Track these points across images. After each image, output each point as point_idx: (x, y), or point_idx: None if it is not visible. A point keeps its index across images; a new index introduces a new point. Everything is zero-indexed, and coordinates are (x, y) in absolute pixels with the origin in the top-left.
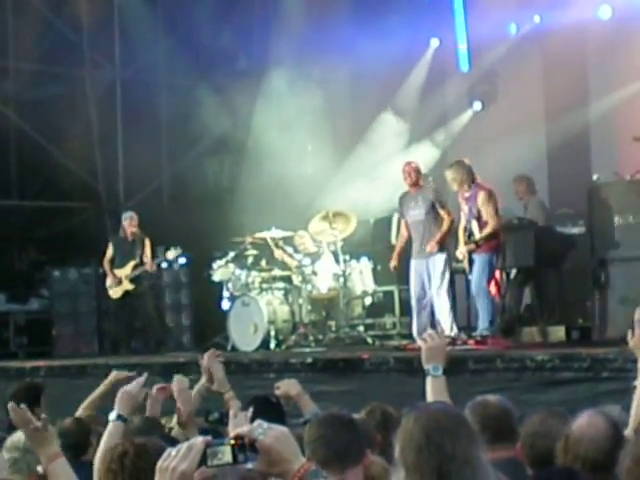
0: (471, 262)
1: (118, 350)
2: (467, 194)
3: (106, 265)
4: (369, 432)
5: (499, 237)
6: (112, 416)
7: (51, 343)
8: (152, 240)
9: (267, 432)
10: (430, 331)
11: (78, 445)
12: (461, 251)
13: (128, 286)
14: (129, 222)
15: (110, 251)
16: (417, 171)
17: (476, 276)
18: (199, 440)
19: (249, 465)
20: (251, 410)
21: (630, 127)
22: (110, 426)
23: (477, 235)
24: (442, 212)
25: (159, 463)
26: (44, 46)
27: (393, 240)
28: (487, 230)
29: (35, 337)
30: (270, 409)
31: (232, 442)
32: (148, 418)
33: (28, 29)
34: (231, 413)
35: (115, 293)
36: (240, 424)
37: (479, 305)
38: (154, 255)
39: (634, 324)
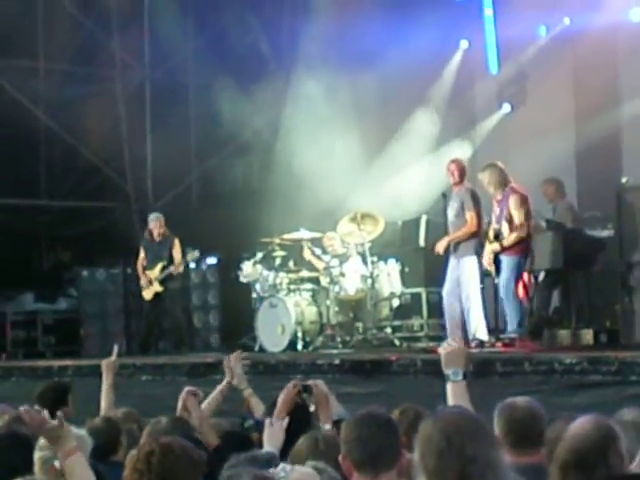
0: (497, 263)
1: (146, 350)
2: (499, 197)
3: (138, 267)
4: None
5: (529, 241)
6: None
7: (79, 343)
8: (181, 240)
9: (289, 474)
10: (449, 340)
11: (108, 445)
12: (486, 256)
13: (158, 288)
14: (155, 223)
15: (142, 253)
16: (461, 169)
17: (504, 278)
18: None
19: None
20: (286, 420)
21: None
22: None
23: (505, 237)
24: (467, 215)
25: None
26: (74, 46)
27: (421, 242)
28: (516, 235)
29: (63, 336)
30: (297, 412)
31: None
32: (176, 418)
33: (58, 29)
34: (267, 422)
35: (147, 294)
36: (276, 433)
37: (507, 307)
38: (183, 256)
39: None
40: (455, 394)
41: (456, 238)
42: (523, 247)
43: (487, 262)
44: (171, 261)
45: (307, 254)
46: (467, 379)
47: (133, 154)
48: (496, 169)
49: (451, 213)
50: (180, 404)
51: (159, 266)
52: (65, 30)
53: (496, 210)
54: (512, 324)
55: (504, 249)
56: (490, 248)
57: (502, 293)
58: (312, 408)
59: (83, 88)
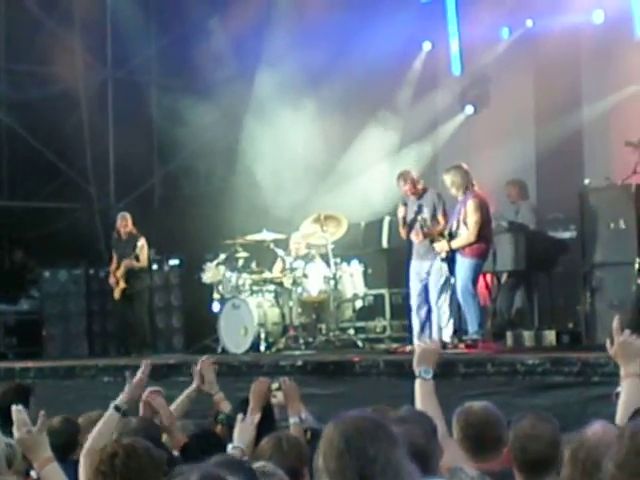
0: (451, 264)
1: (107, 351)
2: (460, 198)
3: (112, 268)
4: None
5: (485, 243)
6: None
7: (41, 344)
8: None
9: None
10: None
11: (67, 444)
12: (437, 246)
13: (122, 284)
14: (121, 222)
15: (114, 253)
16: (413, 181)
17: (461, 280)
18: None
19: None
20: (258, 416)
21: (622, 132)
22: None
23: (456, 239)
24: (440, 217)
25: None
26: (36, 47)
27: (384, 243)
28: (464, 238)
29: (25, 338)
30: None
31: None
32: (144, 419)
33: (20, 30)
34: (239, 417)
35: (116, 294)
36: (246, 428)
37: (466, 309)
38: (149, 255)
39: (614, 332)
40: (423, 392)
41: (431, 234)
42: (479, 249)
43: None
44: (137, 260)
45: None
46: (435, 378)
47: (95, 155)
48: (461, 171)
49: (427, 216)
50: (142, 405)
51: (124, 264)
52: (26, 30)
53: (456, 208)
54: (472, 325)
55: (451, 250)
56: (439, 246)
57: (459, 295)
58: (275, 399)
59: (45, 88)
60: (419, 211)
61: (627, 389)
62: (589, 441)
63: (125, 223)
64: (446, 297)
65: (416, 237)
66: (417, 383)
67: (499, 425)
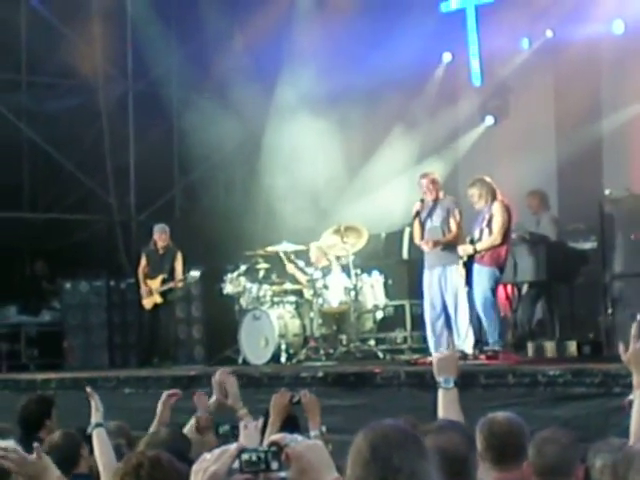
0: (469, 273)
1: (128, 363)
2: (485, 209)
3: (140, 275)
4: None
5: (503, 252)
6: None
7: (62, 355)
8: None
9: (300, 442)
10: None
11: (68, 459)
12: (460, 250)
13: (157, 299)
14: (159, 235)
15: (143, 261)
16: (435, 183)
17: (480, 289)
18: (233, 445)
19: (282, 474)
20: (261, 420)
21: None
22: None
23: (481, 241)
24: (452, 223)
25: (194, 466)
26: (56, 58)
27: (405, 254)
28: (489, 240)
29: (46, 349)
30: (288, 421)
31: (266, 449)
32: (175, 430)
33: (40, 42)
34: (241, 425)
35: (147, 304)
36: (251, 435)
37: (486, 319)
38: (184, 270)
39: (631, 338)
40: (446, 401)
41: (445, 242)
42: (497, 258)
43: (462, 253)
44: (172, 273)
45: (290, 268)
46: (458, 387)
47: (116, 166)
48: (487, 183)
49: (436, 221)
50: (159, 409)
51: (160, 278)
52: (47, 42)
53: (478, 219)
54: (492, 336)
55: (476, 252)
56: (463, 248)
57: (479, 305)
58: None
59: (66, 100)
60: (432, 211)
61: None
62: (634, 456)
63: (164, 236)
64: (464, 306)
65: (426, 245)
66: (440, 393)
67: (522, 435)
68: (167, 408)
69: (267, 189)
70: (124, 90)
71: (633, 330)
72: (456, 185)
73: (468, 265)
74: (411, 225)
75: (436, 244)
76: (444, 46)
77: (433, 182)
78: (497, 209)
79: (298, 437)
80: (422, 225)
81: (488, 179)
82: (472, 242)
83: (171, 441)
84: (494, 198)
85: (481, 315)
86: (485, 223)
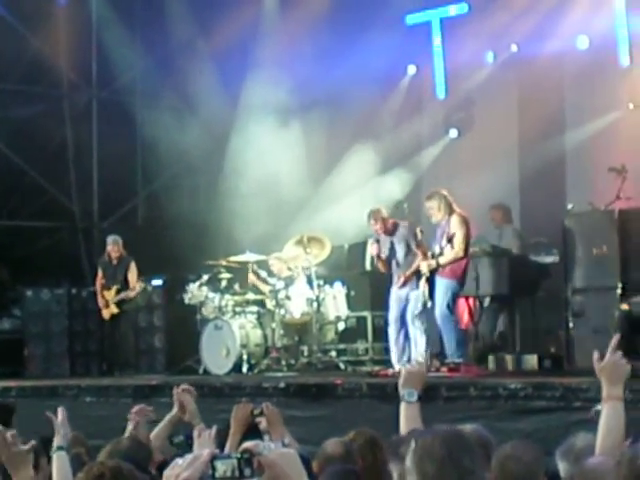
0: (431, 284)
1: (89, 371)
2: (443, 222)
3: (97, 286)
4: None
5: (464, 264)
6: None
7: (22, 363)
8: (137, 263)
9: (273, 450)
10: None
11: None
12: (423, 266)
13: (113, 309)
14: (112, 246)
15: (100, 273)
16: (383, 219)
17: (438, 301)
18: (205, 451)
19: None
20: (215, 429)
21: (605, 158)
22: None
23: (444, 255)
24: (417, 251)
25: (166, 472)
26: (21, 65)
27: (367, 266)
28: (452, 253)
29: (6, 357)
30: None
31: (239, 456)
32: (135, 439)
33: (5, 48)
34: (195, 433)
35: (105, 314)
36: (205, 444)
37: (443, 331)
38: (138, 278)
39: (609, 348)
40: (408, 415)
41: (413, 273)
42: (457, 270)
43: (425, 270)
44: (126, 283)
45: (252, 279)
46: (420, 401)
47: (79, 174)
48: (444, 196)
49: (400, 256)
50: (130, 425)
51: (114, 288)
52: (12, 49)
53: (437, 233)
54: (450, 348)
55: (439, 266)
56: (425, 264)
57: (437, 316)
58: (262, 425)
59: (30, 107)
60: (392, 249)
61: (608, 412)
62: (589, 471)
63: (117, 248)
64: (421, 323)
65: (397, 285)
66: (402, 406)
67: (491, 448)
68: (139, 425)
69: (231, 198)
70: (88, 97)
71: (613, 341)
72: (419, 197)
73: (431, 279)
74: (371, 264)
75: (407, 278)
76: (409, 58)
77: (380, 220)
78: (456, 223)
79: (271, 444)
80: (387, 263)
81: (445, 192)
82: (433, 257)
83: (132, 451)
84: (452, 211)
85: (440, 326)
86: (445, 238)
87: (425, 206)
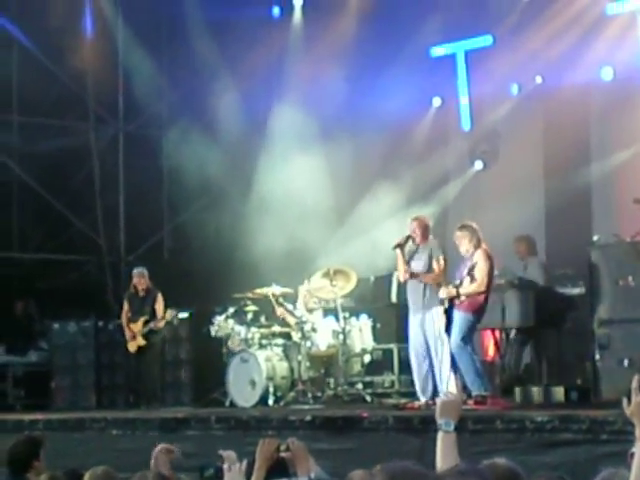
0: (449, 318)
1: (115, 404)
2: (468, 255)
3: (123, 319)
4: None
5: (483, 299)
6: None
7: (49, 396)
8: (164, 295)
9: None
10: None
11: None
12: (443, 291)
13: (141, 342)
14: (138, 279)
15: (126, 306)
16: (423, 227)
17: (454, 334)
18: None
19: None
20: (245, 463)
21: (631, 189)
22: None
23: (463, 286)
24: (435, 265)
25: None
26: (48, 99)
27: (393, 298)
28: (474, 286)
29: (33, 389)
30: (276, 467)
31: None
32: (161, 475)
33: (32, 82)
34: (225, 467)
35: (131, 347)
36: (235, 478)
37: (459, 363)
38: (165, 310)
39: (632, 391)
40: (444, 444)
41: (425, 278)
42: (474, 304)
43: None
44: (153, 315)
45: (281, 311)
46: (457, 432)
47: (106, 207)
48: (475, 230)
49: (419, 265)
50: (153, 460)
51: (141, 320)
52: (39, 83)
53: (461, 267)
54: (468, 380)
55: (459, 296)
56: (445, 291)
57: (451, 349)
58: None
59: (57, 141)
60: (413, 255)
61: None
62: None
63: (143, 280)
64: (446, 350)
65: (402, 275)
66: (439, 436)
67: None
68: (164, 465)
69: (257, 230)
70: (115, 131)
71: (634, 383)
72: (445, 229)
73: (449, 312)
74: (397, 297)
75: (413, 275)
76: (434, 91)
77: (421, 227)
78: (480, 257)
79: None
80: (407, 262)
81: (476, 226)
82: (455, 286)
83: None
84: (479, 245)
85: (456, 359)
86: (467, 270)
87: (456, 235)
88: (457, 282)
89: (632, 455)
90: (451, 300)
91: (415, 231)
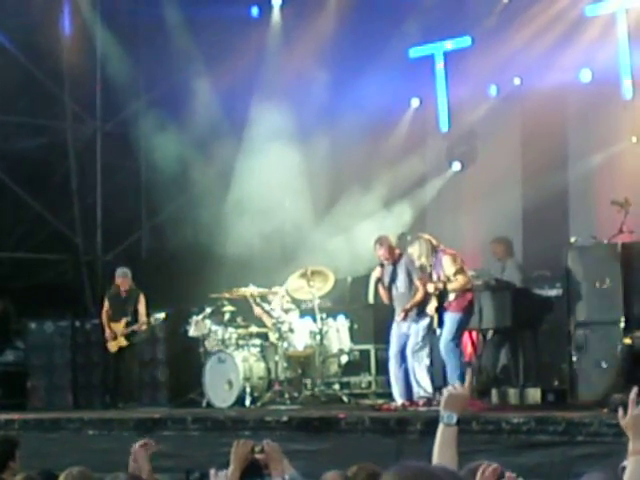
0: (440, 318)
1: (92, 404)
2: (432, 262)
3: (103, 318)
4: None
5: (470, 297)
6: None
7: (25, 396)
8: (146, 296)
9: None
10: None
11: None
12: (430, 286)
13: (122, 342)
14: (121, 280)
15: (106, 305)
16: (389, 246)
17: (444, 334)
18: None
19: None
20: (231, 469)
21: (608, 190)
22: None
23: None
24: (417, 283)
25: None
26: (25, 98)
27: (371, 299)
28: (459, 282)
29: (9, 389)
30: (250, 469)
31: None
32: (133, 476)
33: (9, 81)
34: (211, 473)
35: (111, 347)
36: None
37: (447, 363)
38: (148, 312)
39: (630, 403)
40: (444, 437)
41: (414, 305)
42: (464, 304)
43: (431, 312)
44: (135, 316)
45: (258, 311)
46: (459, 426)
47: (83, 206)
48: (423, 240)
49: (399, 285)
50: (132, 457)
51: (124, 321)
52: (16, 81)
53: (433, 275)
54: (453, 380)
55: (446, 290)
56: (432, 285)
57: (442, 349)
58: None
59: (34, 140)
60: (394, 276)
61: (633, 466)
62: None
63: (126, 281)
64: (422, 356)
65: (399, 318)
66: (440, 428)
67: None
68: (143, 460)
69: (234, 231)
70: (92, 130)
71: (632, 394)
72: (423, 229)
73: (440, 312)
74: (374, 289)
75: (407, 312)
76: (412, 91)
77: (388, 248)
78: (447, 264)
79: None
80: (388, 290)
81: (426, 235)
82: (441, 296)
83: None
84: (435, 252)
85: (445, 360)
86: (442, 275)
87: (408, 251)
88: (438, 278)
89: (623, 469)
90: (441, 303)
91: (385, 255)
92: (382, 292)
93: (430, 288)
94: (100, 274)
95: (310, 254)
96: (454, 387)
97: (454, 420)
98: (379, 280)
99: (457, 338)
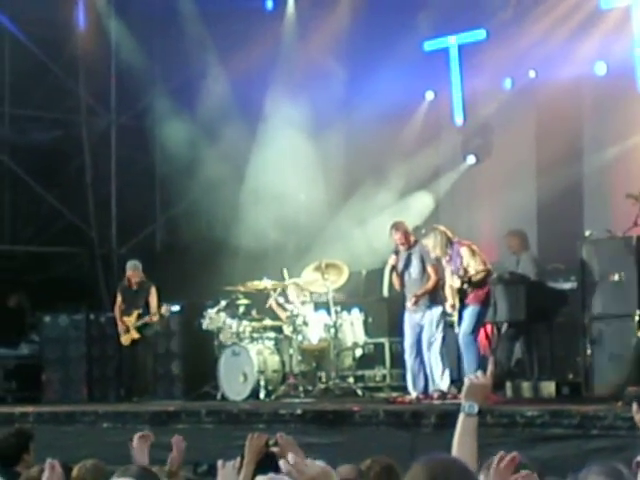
0: (461, 315)
1: (107, 397)
2: (448, 256)
3: (116, 312)
4: None
5: (487, 289)
6: None
7: (40, 389)
8: (157, 288)
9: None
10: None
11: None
12: (451, 304)
13: (135, 335)
14: (132, 272)
15: (119, 298)
16: (405, 231)
17: (463, 326)
18: None
19: None
20: (238, 460)
21: (623, 184)
22: None
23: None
24: (430, 270)
25: None
26: (40, 91)
27: (385, 292)
28: (482, 270)
29: (24, 382)
30: (265, 461)
31: None
32: (145, 468)
33: (24, 75)
34: (219, 464)
35: (125, 340)
36: (228, 474)
37: (465, 355)
38: (159, 303)
39: None
40: (465, 427)
41: (426, 292)
42: (482, 296)
43: (450, 306)
44: (147, 308)
45: (272, 303)
46: (480, 416)
47: (97, 199)
48: (439, 232)
49: (412, 271)
50: (134, 450)
51: (135, 314)
52: (31, 75)
53: (448, 270)
54: (470, 372)
55: (470, 282)
56: (455, 276)
57: (461, 342)
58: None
59: (48, 133)
60: (408, 262)
61: None
62: None
63: (137, 273)
64: (436, 348)
65: (409, 303)
66: (460, 418)
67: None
68: (142, 452)
69: (249, 224)
70: (107, 123)
71: None
72: (437, 223)
73: (460, 309)
74: (389, 278)
75: (418, 299)
76: (427, 84)
77: (404, 233)
78: (467, 256)
79: (284, 478)
80: (401, 276)
81: (442, 227)
82: (461, 289)
83: (140, 478)
84: (450, 244)
85: (463, 352)
86: (461, 266)
87: (422, 243)
88: (461, 273)
89: (638, 464)
90: (460, 296)
91: (401, 239)
92: (395, 279)
93: (456, 283)
94: (115, 267)
95: (325, 247)
96: (476, 377)
97: (475, 410)
98: (393, 268)
99: (476, 331)
